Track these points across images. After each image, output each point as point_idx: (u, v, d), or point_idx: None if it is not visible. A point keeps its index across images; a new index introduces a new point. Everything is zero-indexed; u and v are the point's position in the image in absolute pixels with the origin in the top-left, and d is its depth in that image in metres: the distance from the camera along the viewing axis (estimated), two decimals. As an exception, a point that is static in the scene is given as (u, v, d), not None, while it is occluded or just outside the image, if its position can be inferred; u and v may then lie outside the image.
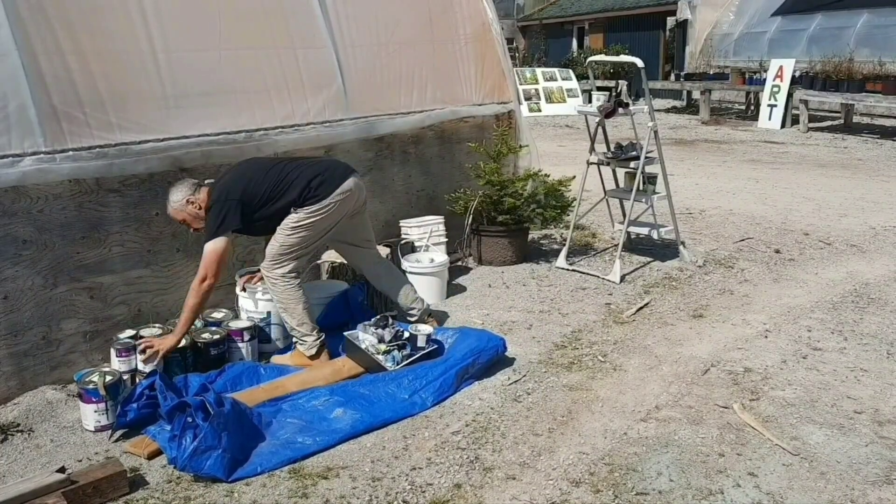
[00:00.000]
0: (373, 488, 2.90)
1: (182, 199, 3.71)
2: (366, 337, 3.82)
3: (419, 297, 4.37)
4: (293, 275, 3.82)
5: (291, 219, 3.78)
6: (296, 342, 3.90)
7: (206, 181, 3.83)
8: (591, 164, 5.66)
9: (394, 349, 3.75)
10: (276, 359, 3.97)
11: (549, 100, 16.66)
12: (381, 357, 3.73)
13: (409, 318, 4.27)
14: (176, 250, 4.06)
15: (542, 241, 6.25)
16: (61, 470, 2.78)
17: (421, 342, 3.84)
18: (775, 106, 13.89)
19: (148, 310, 3.96)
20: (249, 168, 3.85)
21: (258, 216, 3.76)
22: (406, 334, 3.84)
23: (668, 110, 17.38)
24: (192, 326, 3.73)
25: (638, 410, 3.49)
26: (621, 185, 5.86)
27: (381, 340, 3.76)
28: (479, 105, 5.93)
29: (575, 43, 25.29)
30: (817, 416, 3.41)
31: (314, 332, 3.86)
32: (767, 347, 4.19)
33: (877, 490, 2.85)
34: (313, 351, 3.85)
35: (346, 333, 3.91)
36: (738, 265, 5.67)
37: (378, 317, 3.89)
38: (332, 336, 4.01)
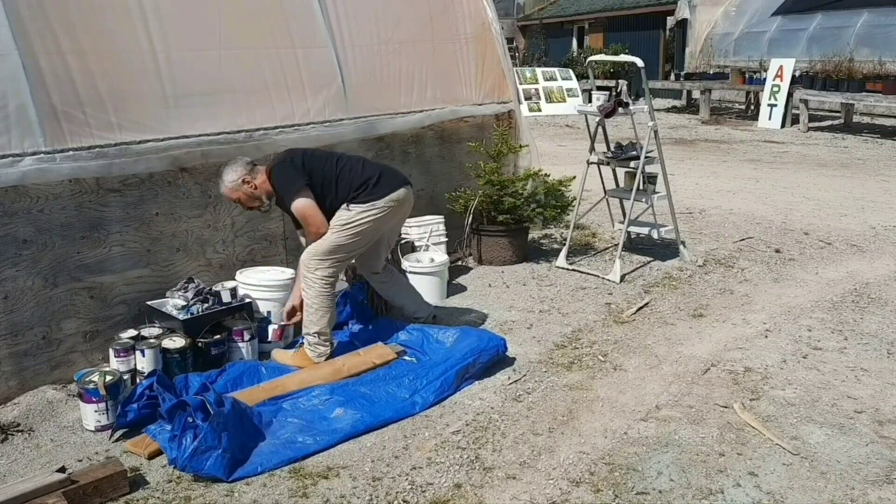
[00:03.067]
0: (373, 488, 2.90)
1: (238, 179, 3.74)
2: (173, 302, 3.87)
3: (424, 301, 4.36)
4: (333, 280, 3.81)
5: (344, 215, 3.76)
6: (304, 343, 3.89)
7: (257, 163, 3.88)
8: (591, 163, 5.66)
9: (195, 304, 3.80)
10: (277, 354, 3.96)
11: (549, 99, 16.65)
12: (176, 312, 3.78)
13: (414, 320, 4.28)
14: (176, 250, 4.06)
15: (542, 241, 6.25)
16: (62, 470, 2.78)
17: (225, 297, 3.91)
18: (775, 105, 13.89)
19: (148, 309, 3.96)
20: (311, 149, 3.97)
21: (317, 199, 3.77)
22: (209, 289, 3.93)
23: (668, 110, 17.38)
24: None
25: (638, 410, 3.49)
26: (621, 184, 5.86)
27: (185, 301, 3.83)
28: (479, 105, 5.92)
29: (575, 42, 25.29)
30: (817, 415, 3.41)
31: (327, 344, 3.85)
32: (767, 347, 4.19)
33: (877, 490, 2.85)
34: (321, 361, 3.84)
35: (149, 303, 3.91)
36: (738, 265, 5.67)
37: (183, 281, 3.95)
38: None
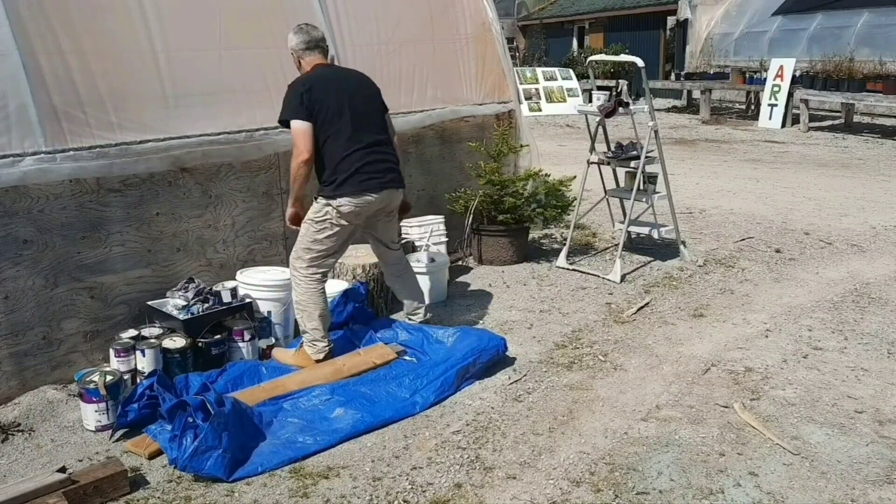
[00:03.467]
0: (373, 488, 2.90)
1: (291, 49, 3.93)
2: (173, 302, 3.87)
3: (423, 304, 4.33)
4: (318, 276, 3.79)
5: (314, 207, 3.78)
6: (304, 342, 3.89)
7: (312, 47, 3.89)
8: (592, 163, 5.66)
9: (196, 304, 3.81)
10: (277, 352, 3.95)
11: (549, 99, 16.65)
12: (176, 312, 3.79)
13: (410, 319, 4.28)
14: (176, 250, 4.06)
15: (542, 241, 6.25)
16: (62, 469, 2.78)
17: (226, 297, 3.92)
18: (776, 105, 13.88)
19: (148, 310, 3.96)
20: (329, 89, 3.76)
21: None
22: (209, 289, 3.92)
23: (668, 110, 17.38)
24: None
25: (638, 410, 3.49)
26: (622, 184, 5.86)
27: (186, 301, 3.84)
28: (480, 104, 5.92)
29: (575, 42, 25.29)
30: (818, 415, 3.41)
31: (325, 339, 3.84)
32: (768, 347, 4.19)
33: (877, 489, 2.85)
34: (320, 357, 3.83)
35: (149, 303, 3.91)
36: (738, 265, 5.67)
37: (183, 281, 3.95)
38: (332, 335, 4.01)
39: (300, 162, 3.67)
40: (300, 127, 3.67)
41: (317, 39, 3.89)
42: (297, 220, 3.88)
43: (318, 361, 3.83)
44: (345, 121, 3.74)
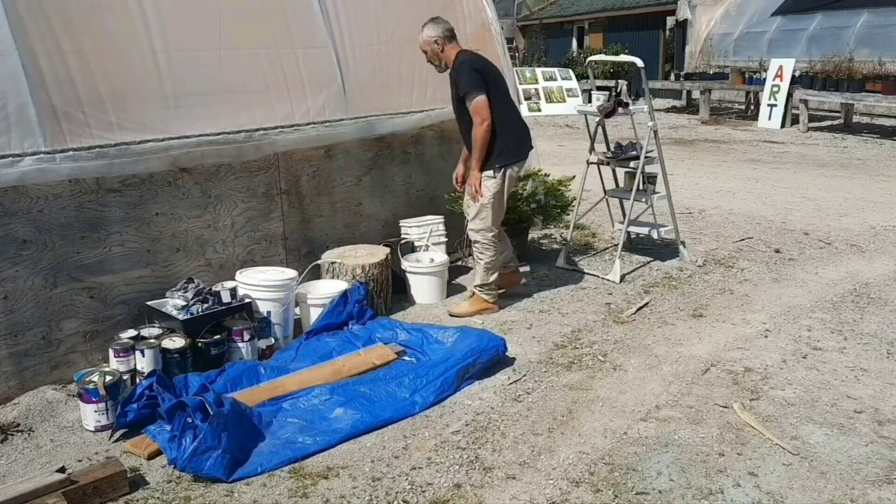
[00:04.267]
0: (373, 488, 2.90)
1: (433, 38, 4.45)
2: (173, 302, 3.89)
3: (515, 263, 4.92)
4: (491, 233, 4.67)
5: (495, 181, 4.53)
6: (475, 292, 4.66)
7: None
8: (591, 163, 5.66)
9: (195, 304, 3.84)
10: (453, 308, 4.63)
11: (548, 99, 16.64)
12: (176, 312, 3.81)
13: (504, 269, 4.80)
14: (175, 250, 4.06)
15: (542, 241, 6.25)
16: (61, 470, 2.78)
17: (225, 297, 3.94)
18: (775, 105, 13.89)
19: (148, 310, 3.96)
20: (494, 71, 4.54)
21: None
22: (208, 289, 3.95)
23: (667, 110, 17.38)
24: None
25: (638, 410, 3.49)
26: (621, 184, 5.86)
27: (185, 301, 3.86)
28: (479, 105, 5.91)
29: (575, 42, 25.29)
30: (817, 415, 3.41)
31: (487, 283, 4.59)
32: (767, 347, 4.19)
33: (877, 490, 2.85)
34: (488, 300, 4.63)
35: (148, 303, 3.92)
36: (737, 265, 5.67)
37: (183, 281, 3.97)
38: (331, 336, 4.01)
39: (486, 127, 4.36)
40: (483, 98, 4.34)
41: (452, 28, 4.50)
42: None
43: (486, 304, 4.61)
44: (505, 97, 4.50)
